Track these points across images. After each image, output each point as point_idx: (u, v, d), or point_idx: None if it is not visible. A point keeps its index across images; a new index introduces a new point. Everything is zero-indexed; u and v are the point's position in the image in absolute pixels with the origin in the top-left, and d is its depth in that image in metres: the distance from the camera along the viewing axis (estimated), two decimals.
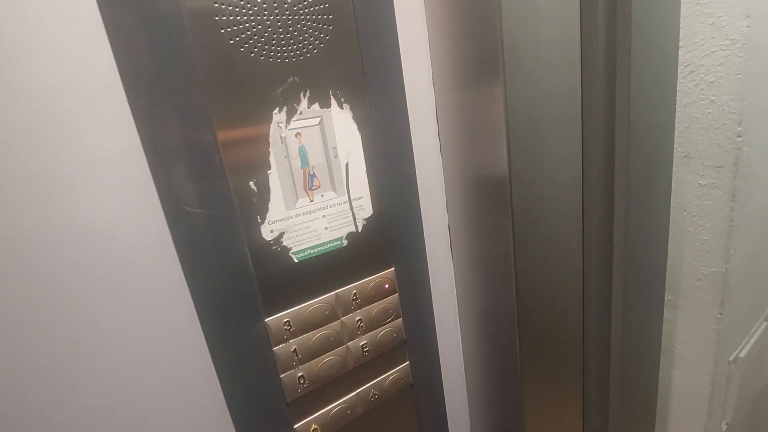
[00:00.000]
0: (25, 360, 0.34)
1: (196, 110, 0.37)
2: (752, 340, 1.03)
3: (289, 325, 0.45)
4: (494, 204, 0.53)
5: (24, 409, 0.35)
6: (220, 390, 0.43)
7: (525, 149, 0.50)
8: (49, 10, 0.31)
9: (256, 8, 0.38)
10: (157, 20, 0.35)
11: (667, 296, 0.93)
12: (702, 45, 0.78)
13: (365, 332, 0.52)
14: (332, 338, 0.49)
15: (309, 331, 0.47)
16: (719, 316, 0.91)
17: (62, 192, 0.34)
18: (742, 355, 0.99)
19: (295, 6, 0.40)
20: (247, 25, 0.38)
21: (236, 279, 0.42)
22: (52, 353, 0.35)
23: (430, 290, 0.57)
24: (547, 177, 0.54)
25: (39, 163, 0.32)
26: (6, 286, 0.33)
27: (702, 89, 0.80)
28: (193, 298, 0.40)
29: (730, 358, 0.97)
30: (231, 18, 0.37)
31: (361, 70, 0.45)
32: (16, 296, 0.33)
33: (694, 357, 0.96)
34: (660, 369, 0.95)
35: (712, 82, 0.79)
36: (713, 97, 0.79)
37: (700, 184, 0.85)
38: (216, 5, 0.36)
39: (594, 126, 0.61)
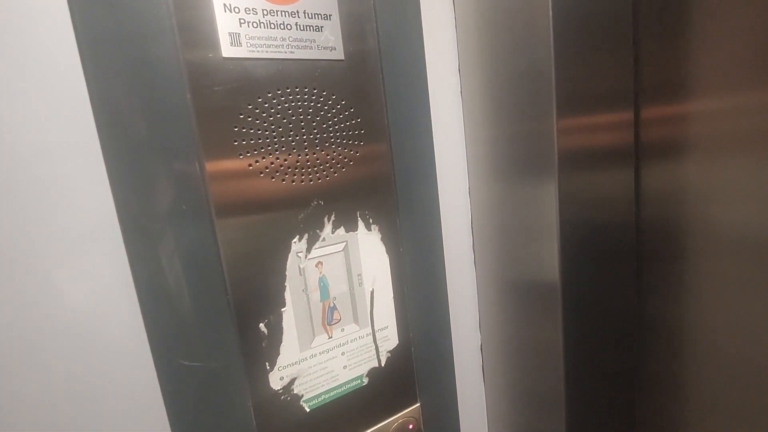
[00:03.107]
0: None
1: (202, 244, 0.33)
2: None
3: None
4: (538, 315, 0.49)
5: None
6: None
7: (576, 250, 0.46)
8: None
9: (281, 129, 0.35)
10: (168, 145, 0.32)
11: None
12: None
13: None
14: None
15: None
16: None
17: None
18: None
19: (324, 123, 0.37)
20: (270, 148, 0.35)
21: None
22: None
23: (459, 427, 0.51)
24: (599, 280, 0.50)
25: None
26: None
27: None
28: None
29: None
30: (252, 141, 0.34)
31: (392, 187, 0.42)
32: None
33: None
34: None
35: None
36: None
37: None
38: (236, 129, 0.33)
39: (650, 223, 0.58)
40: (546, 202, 0.44)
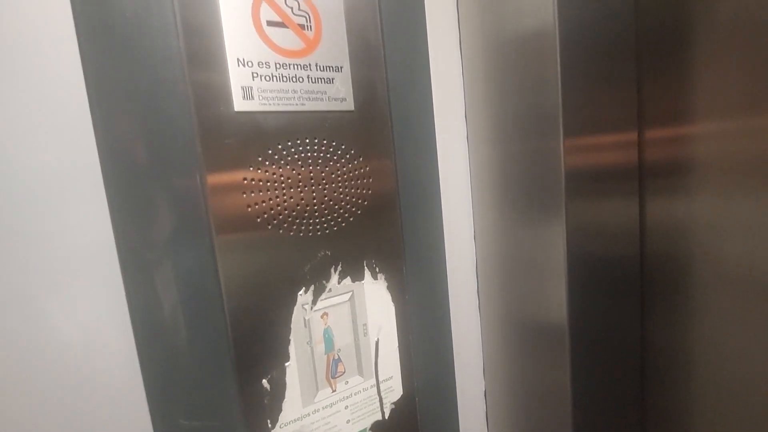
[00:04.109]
0: None
1: (207, 297, 0.33)
2: None
3: None
4: (544, 357, 0.48)
5: None
6: None
7: (583, 287, 0.46)
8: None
9: (290, 180, 0.35)
10: (176, 196, 0.31)
11: None
12: None
13: None
14: None
15: None
16: None
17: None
18: None
19: (333, 173, 0.37)
20: (278, 200, 0.35)
21: None
22: None
23: None
24: (605, 317, 0.50)
25: None
26: None
27: None
28: None
29: None
30: (261, 193, 0.34)
31: (400, 235, 0.42)
32: None
33: None
34: None
35: None
36: None
37: None
38: (245, 181, 0.33)
39: (655, 256, 0.58)
40: (554, 238, 0.45)
